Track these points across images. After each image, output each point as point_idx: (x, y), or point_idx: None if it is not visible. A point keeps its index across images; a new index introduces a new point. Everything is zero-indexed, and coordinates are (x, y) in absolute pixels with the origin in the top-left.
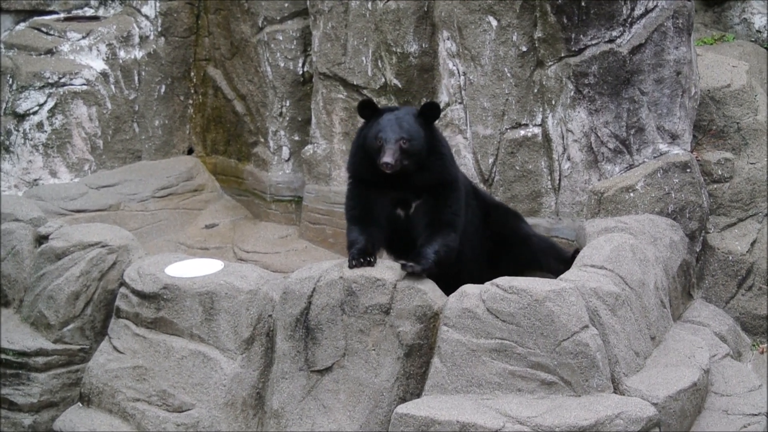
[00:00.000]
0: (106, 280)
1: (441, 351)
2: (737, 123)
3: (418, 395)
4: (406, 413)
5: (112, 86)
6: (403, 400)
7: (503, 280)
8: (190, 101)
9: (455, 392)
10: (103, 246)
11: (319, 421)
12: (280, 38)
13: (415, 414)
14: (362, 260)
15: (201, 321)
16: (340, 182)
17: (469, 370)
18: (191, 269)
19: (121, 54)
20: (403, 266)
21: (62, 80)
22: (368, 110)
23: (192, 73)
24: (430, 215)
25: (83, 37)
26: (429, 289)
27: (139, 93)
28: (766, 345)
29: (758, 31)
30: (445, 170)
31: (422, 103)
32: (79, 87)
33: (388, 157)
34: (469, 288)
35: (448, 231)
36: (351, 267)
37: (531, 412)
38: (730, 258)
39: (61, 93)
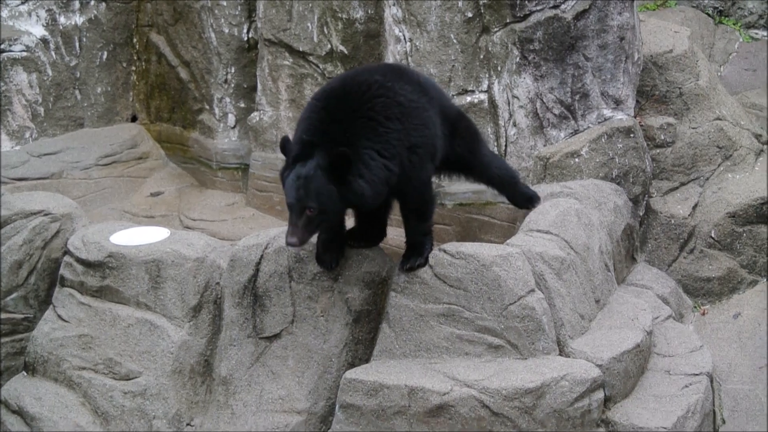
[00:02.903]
0: (49, 249)
1: (389, 316)
2: (679, 88)
3: (367, 360)
4: (355, 378)
5: (53, 52)
6: (352, 365)
7: (450, 246)
8: (133, 68)
9: (403, 357)
10: (45, 214)
11: (268, 387)
12: (224, 4)
13: (364, 379)
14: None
15: (147, 289)
16: None
17: (417, 335)
18: (137, 237)
19: (62, 20)
20: (404, 268)
21: (1, 46)
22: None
23: (134, 40)
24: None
25: (22, 3)
26: (377, 255)
27: (80, 59)
28: (707, 306)
29: None
30: (376, 194)
31: (332, 154)
32: (18, 53)
33: (290, 237)
34: None
35: (425, 209)
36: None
37: (478, 375)
38: (673, 222)
39: (0, 59)
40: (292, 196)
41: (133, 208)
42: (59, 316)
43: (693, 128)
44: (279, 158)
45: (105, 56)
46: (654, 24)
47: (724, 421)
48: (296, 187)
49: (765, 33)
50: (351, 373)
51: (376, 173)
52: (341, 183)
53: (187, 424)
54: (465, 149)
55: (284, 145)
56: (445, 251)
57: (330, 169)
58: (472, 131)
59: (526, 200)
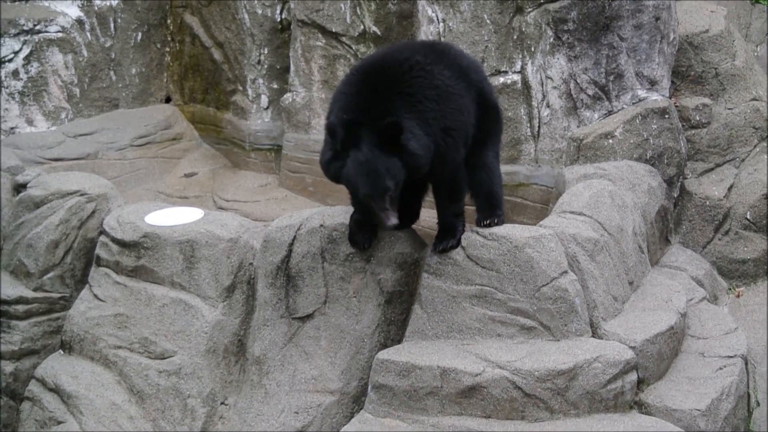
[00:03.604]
0: (85, 229)
1: (421, 297)
2: (715, 68)
3: (399, 341)
4: (387, 359)
5: (88, 33)
6: (384, 346)
7: (483, 228)
8: (167, 49)
9: (435, 338)
10: (81, 194)
11: (301, 367)
12: None
13: (396, 359)
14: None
15: (182, 269)
16: (319, 131)
17: (450, 316)
18: (171, 218)
19: (97, 1)
20: (438, 250)
21: (37, 27)
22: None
23: (168, 21)
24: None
25: None
26: (409, 236)
27: (115, 40)
28: (741, 288)
29: None
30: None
31: (381, 127)
32: (54, 34)
33: (390, 220)
34: None
35: (457, 191)
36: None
37: (510, 356)
38: (707, 203)
39: (37, 40)
40: (369, 186)
41: (167, 188)
42: (95, 296)
43: (729, 109)
44: (311, 139)
45: (139, 37)
46: (690, 4)
47: (758, 404)
48: (366, 176)
49: None
50: (383, 354)
51: (421, 140)
52: (398, 150)
53: (222, 403)
54: (477, 139)
55: (333, 129)
56: (477, 233)
57: (383, 142)
58: (495, 128)
59: (484, 216)
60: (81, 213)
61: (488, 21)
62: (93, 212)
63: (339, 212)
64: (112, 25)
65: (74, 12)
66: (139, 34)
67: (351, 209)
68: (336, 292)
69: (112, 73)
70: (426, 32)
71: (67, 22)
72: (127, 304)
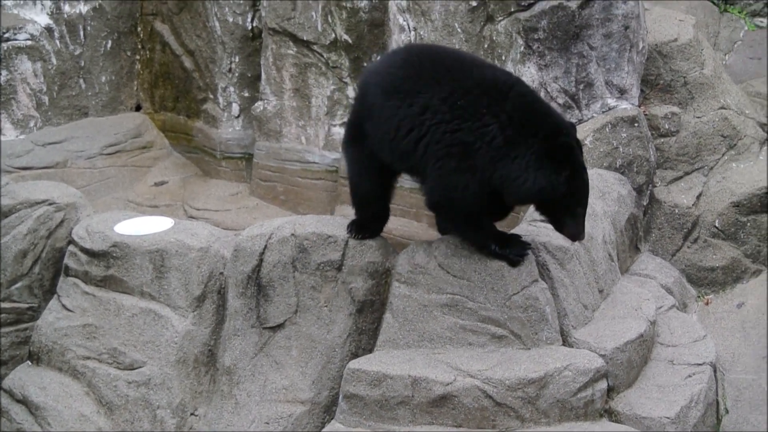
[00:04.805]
0: (54, 238)
1: (393, 306)
2: (684, 77)
3: (371, 351)
4: (358, 368)
5: (57, 41)
6: (356, 355)
7: (454, 236)
8: (137, 57)
9: (407, 347)
10: (50, 204)
11: (272, 377)
12: None
13: (368, 369)
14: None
15: (151, 279)
16: (290, 139)
17: (421, 325)
18: (141, 227)
19: (66, 8)
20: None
21: (6, 35)
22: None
23: (139, 28)
24: None
25: None
26: (380, 245)
27: (84, 48)
28: (710, 296)
29: None
30: None
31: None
32: (23, 42)
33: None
34: (419, 244)
35: None
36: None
37: (481, 365)
38: (676, 211)
39: (5, 48)
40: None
41: (137, 197)
42: (64, 306)
43: (697, 117)
44: (283, 148)
45: (109, 45)
46: (659, 12)
47: (727, 411)
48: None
49: None
50: (354, 364)
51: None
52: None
53: (191, 414)
54: None
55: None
56: (448, 241)
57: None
58: None
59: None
60: (49, 222)
61: (459, 30)
62: (62, 222)
63: (310, 221)
64: (81, 33)
65: (43, 20)
66: (109, 41)
67: (323, 218)
68: (307, 301)
69: (81, 81)
70: (397, 41)
71: (36, 30)
72: (96, 314)
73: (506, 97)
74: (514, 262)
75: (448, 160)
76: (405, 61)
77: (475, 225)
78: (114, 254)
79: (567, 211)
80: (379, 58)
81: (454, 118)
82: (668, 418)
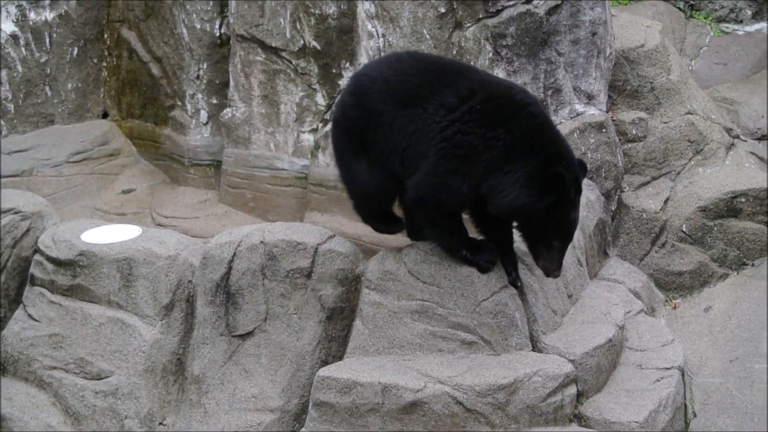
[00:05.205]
0: (19, 247)
1: (363, 313)
2: (651, 83)
3: (341, 358)
4: (329, 376)
5: (23, 48)
6: (325, 363)
7: (424, 243)
8: (104, 64)
9: (377, 354)
10: (15, 212)
11: (241, 385)
12: None
13: (338, 376)
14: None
15: (119, 288)
16: (259, 146)
17: (391, 332)
18: (108, 235)
19: (32, 15)
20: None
21: None
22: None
23: (105, 35)
24: None
25: None
26: (350, 252)
27: (50, 55)
28: (678, 300)
29: None
30: None
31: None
32: None
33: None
34: (389, 250)
35: None
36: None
37: (451, 371)
38: (644, 216)
39: None
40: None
41: (105, 205)
42: (29, 316)
43: (664, 123)
44: (252, 155)
45: (75, 52)
46: (626, 18)
47: (695, 415)
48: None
49: (735, 27)
50: (324, 371)
51: None
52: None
53: (160, 424)
54: None
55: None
56: (418, 248)
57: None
58: None
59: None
60: (15, 231)
61: (428, 36)
62: (27, 230)
63: (279, 228)
64: (47, 40)
65: (9, 27)
66: (76, 49)
67: (292, 225)
68: (276, 309)
69: (47, 88)
70: (366, 47)
71: (1, 38)
72: (63, 323)
73: (520, 114)
74: (484, 269)
75: (448, 159)
76: (417, 68)
77: (450, 228)
78: (81, 263)
79: (544, 240)
80: (374, 62)
81: (470, 120)
82: (637, 422)
